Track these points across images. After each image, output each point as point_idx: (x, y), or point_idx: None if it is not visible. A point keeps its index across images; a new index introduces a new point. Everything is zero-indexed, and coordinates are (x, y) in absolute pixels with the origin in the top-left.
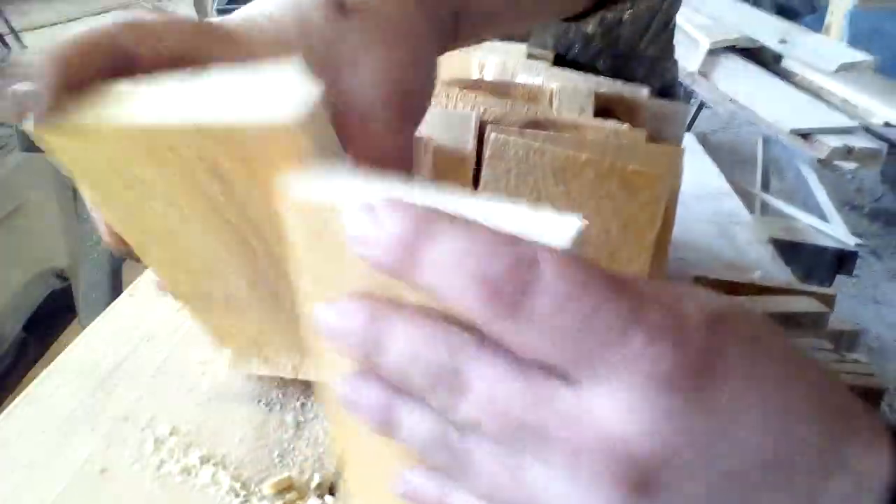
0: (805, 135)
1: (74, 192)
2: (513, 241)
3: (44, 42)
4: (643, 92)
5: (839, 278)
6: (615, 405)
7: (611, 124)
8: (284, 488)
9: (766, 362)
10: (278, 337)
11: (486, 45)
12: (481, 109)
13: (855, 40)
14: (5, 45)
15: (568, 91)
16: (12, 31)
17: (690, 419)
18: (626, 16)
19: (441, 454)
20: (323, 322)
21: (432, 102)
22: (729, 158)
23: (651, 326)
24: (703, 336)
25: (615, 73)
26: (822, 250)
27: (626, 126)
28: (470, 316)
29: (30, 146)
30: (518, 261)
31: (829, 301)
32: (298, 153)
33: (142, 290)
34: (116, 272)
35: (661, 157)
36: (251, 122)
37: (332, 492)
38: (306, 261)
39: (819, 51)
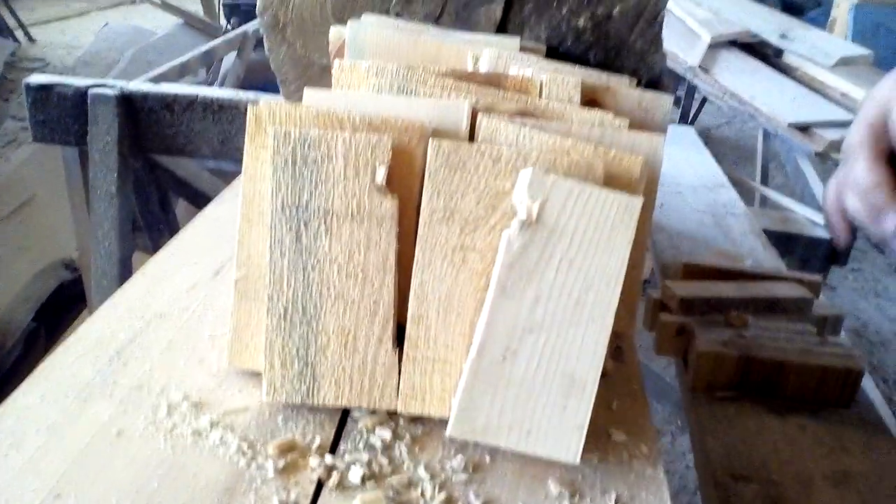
0: (803, 128)
1: (86, 183)
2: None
3: (51, 36)
4: (628, 83)
5: (841, 273)
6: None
7: (596, 113)
8: (287, 449)
9: None
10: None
11: (482, 38)
12: (474, 98)
13: (859, 35)
14: (14, 39)
15: (556, 82)
16: (21, 25)
17: None
18: (616, 11)
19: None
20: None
21: (428, 92)
22: (732, 154)
23: None
24: None
25: (606, 65)
26: (816, 242)
27: (610, 115)
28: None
29: (41, 137)
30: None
31: (815, 288)
32: None
33: (153, 270)
34: (126, 261)
35: (643, 143)
36: None
37: (332, 450)
38: None
39: (819, 45)
